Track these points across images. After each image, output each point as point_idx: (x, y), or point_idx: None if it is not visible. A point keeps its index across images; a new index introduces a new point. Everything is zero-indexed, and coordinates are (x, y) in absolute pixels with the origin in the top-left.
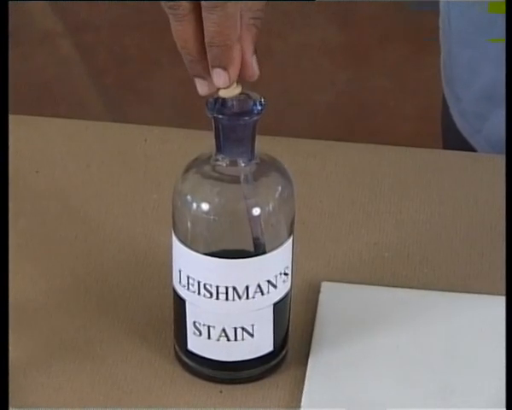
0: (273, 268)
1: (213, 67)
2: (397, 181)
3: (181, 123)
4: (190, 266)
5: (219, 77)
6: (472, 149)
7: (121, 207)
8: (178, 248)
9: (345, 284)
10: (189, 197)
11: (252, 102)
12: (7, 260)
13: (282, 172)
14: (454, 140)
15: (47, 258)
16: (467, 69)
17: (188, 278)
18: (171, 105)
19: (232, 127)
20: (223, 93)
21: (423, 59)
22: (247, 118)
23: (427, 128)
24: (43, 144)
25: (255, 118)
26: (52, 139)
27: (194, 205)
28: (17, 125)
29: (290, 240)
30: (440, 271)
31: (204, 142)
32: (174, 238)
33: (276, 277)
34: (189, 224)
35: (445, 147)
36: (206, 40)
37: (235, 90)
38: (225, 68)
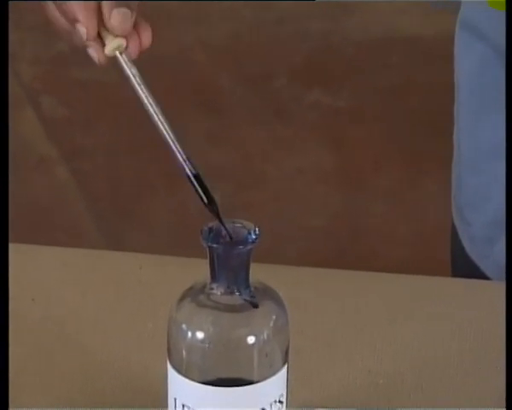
0: (268, 396)
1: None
2: (391, 308)
3: (176, 249)
4: (185, 395)
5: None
6: (482, 274)
7: (116, 336)
8: (173, 377)
9: None
10: (184, 326)
11: (246, 232)
12: (7, 390)
13: (277, 301)
14: (464, 266)
15: (42, 386)
16: (476, 195)
17: (183, 406)
18: (167, 231)
19: (227, 256)
20: (106, 50)
21: (418, 183)
22: (241, 247)
23: (421, 254)
24: (39, 272)
25: (250, 247)
26: (48, 267)
27: (190, 334)
28: (13, 253)
29: (285, 368)
30: (435, 397)
31: (199, 270)
32: (169, 366)
33: (270, 405)
34: (184, 352)
35: (455, 273)
36: None
37: (114, 42)
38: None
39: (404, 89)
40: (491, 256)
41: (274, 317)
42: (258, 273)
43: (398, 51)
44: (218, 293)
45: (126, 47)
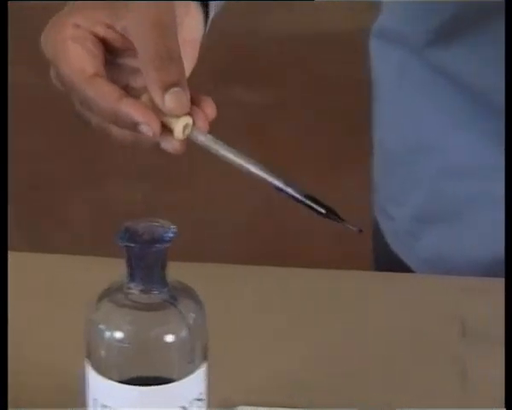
0: (187, 395)
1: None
2: (311, 304)
3: (98, 249)
4: (105, 395)
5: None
6: (406, 268)
7: (33, 336)
8: (93, 377)
9: (261, 408)
10: (102, 326)
11: (162, 230)
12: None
13: (195, 299)
14: (387, 261)
15: None
16: (399, 189)
17: (103, 406)
18: (88, 231)
19: (143, 255)
20: (176, 134)
21: (338, 179)
22: (158, 245)
23: (342, 250)
24: None
25: (166, 245)
26: None
27: (108, 333)
28: None
29: (204, 366)
30: (355, 396)
31: (117, 270)
32: (88, 367)
33: (190, 403)
34: (102, 352)
35: (378, 268)
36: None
37: (179, 123)
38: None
39: (326, 85)
40: (414, 250)
41: (192, 315)
42: (176, 272)
43: (320, 48)
44: (136, 292)
45: (194, 123)
